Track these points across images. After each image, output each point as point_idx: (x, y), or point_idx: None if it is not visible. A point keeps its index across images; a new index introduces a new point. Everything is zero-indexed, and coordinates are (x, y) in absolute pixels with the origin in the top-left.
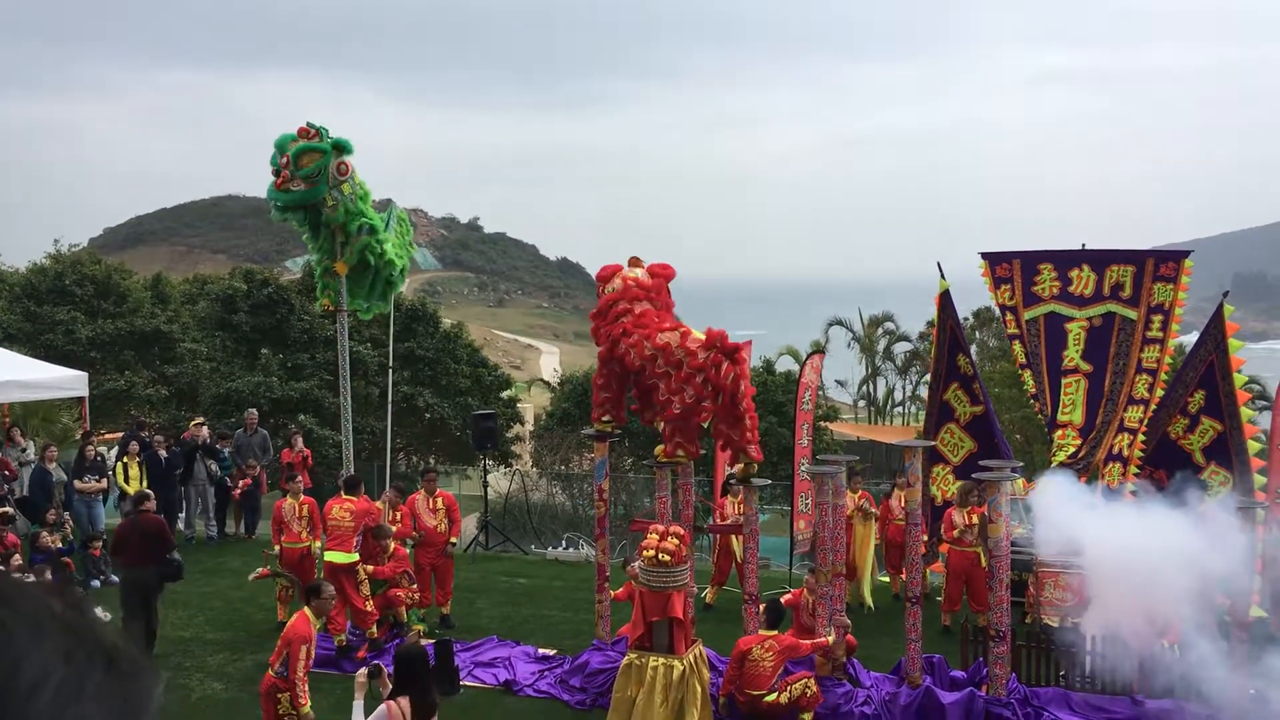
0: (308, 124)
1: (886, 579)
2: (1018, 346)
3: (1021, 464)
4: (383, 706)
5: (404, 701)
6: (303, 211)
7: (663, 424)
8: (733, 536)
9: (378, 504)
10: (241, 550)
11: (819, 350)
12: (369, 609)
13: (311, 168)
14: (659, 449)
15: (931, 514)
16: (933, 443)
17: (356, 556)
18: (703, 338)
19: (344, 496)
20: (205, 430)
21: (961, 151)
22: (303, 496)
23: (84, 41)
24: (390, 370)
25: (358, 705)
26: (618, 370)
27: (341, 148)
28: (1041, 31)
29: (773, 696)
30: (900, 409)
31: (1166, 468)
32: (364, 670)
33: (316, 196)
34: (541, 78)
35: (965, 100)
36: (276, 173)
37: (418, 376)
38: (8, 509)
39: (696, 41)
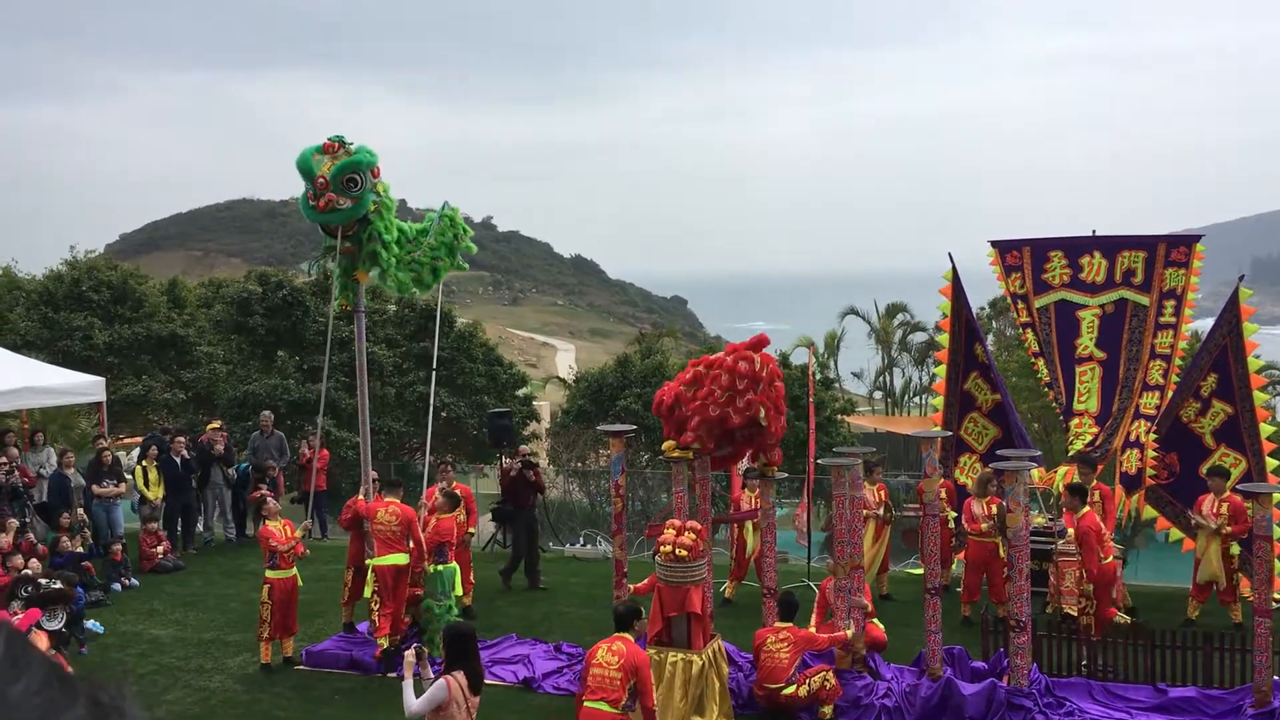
0: (330, 138)
1: (916, 571)
2: (1030, 335)
3: (1040, 453)
4: (440, 680)
5: (460, 675)
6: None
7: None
8: (748, 526)
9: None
10: (260, 553)
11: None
12: (405, 618)
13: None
14: (667, 444)
15: (959, 500)
16: (949, 433)
17: (408, 558)
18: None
19: (386, 498)
20: (222, 441)
21: (970, 137)
22: (282, 519)
23: (91, 43)
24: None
25: (407, 685)
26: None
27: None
28: (1052, 12)
29: (791, 689)
30: (918, 400)
31: (1178, 451)
32: (412, 650)
33: (365, 208)
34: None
35: (974, 85)
36: (316, 195)
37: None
38: (13, 519)
39: (698, 30)
